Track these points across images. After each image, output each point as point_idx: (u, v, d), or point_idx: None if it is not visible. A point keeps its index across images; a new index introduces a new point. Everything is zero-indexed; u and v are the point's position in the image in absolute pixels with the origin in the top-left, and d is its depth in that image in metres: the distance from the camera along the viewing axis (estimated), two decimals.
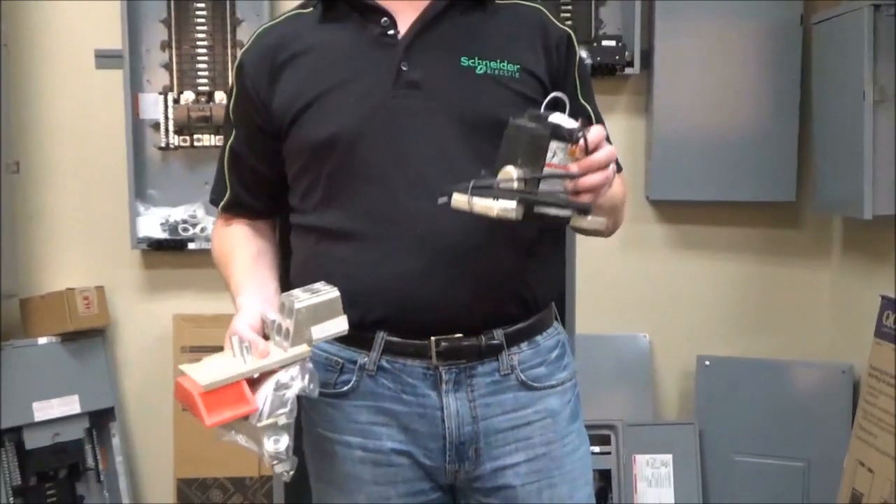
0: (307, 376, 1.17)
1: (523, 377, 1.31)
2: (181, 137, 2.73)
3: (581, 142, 1.11)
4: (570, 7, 2.80)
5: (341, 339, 1.23)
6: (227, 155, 1.40)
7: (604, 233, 1.32)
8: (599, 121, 1.39)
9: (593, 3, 2.83)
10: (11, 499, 2.58)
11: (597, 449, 2.63)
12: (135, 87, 2.72)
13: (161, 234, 2.75)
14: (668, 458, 2.76)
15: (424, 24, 1.28)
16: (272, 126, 1.32)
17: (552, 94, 1.17)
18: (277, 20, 1.38)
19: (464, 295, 1.25)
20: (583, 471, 1.37)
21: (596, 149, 1.12)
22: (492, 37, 1.31)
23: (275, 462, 1.15)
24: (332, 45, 1.30)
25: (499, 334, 1.29)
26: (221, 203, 1.42)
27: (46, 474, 2.65)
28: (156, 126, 2.74)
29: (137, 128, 2.74)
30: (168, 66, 2.75)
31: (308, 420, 1.35)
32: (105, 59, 2.75)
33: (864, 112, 2.43)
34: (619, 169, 1.41)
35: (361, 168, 1.26)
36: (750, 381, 2.84)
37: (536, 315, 1.33)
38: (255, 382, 1.15)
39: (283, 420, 1.14)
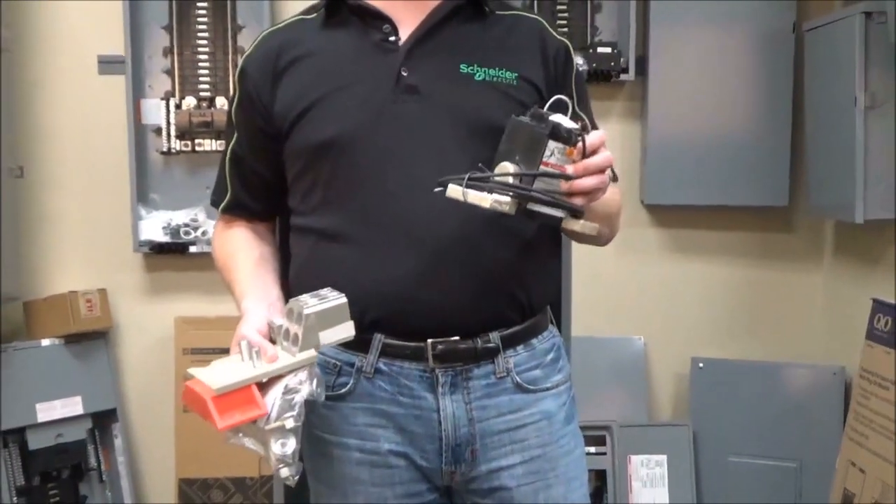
0: (315, 380, 1.17)
1: (519, 380, 1.31)
2: (183, 142, 2.73)
3: (579, 144, 1.11)
4: (566, 14, 2.81)
5: None
6: (229, 157, 1.40)
7: (599, 240, 1.34)
8: (595, 128, 1.38)
9: (589, 10, 2.83)
10: (15, 498, 2.57)
11: (592, 449, 2.63)
12: (137, 92, 2.73)
13: (163, 238, 2.75)
14: (663, 458, 2.75)
15: (425, 32, 1.29)
16: (273, 128, 1.32)
17: (556, 97, 1.17)
18: (280, 25, 1.39)
19: (461, 298, 1.26)
20: (578, 472, 1.37)
21: (594, 152, 1.13)
22: (491, 45, 1.32)
23: (281, 465, 1.15)
24: (333, 50, 1.31)
25: (495, 337, 1.29)
26: (222, 204, 1.43)
27: (49, 474, 2.65)
28: (158, 131, 2.75)
29: (139, 133, 2.74)
30: (170, 72, 2.76)
31: (306, 422, 1.33)
32: (108, 64, 2.75)
33: (855, 118, 2.43)
34: (614, 178, 1.43)
35: (360, 171, 1.27)
36: (743, 383, 2.83)
37: (532, 318, 1.33)
38: (263, 386, 1.15)
39: (290, 423, 1.14)
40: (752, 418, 2.81)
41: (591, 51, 2.77)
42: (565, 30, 2.72)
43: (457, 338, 1.27)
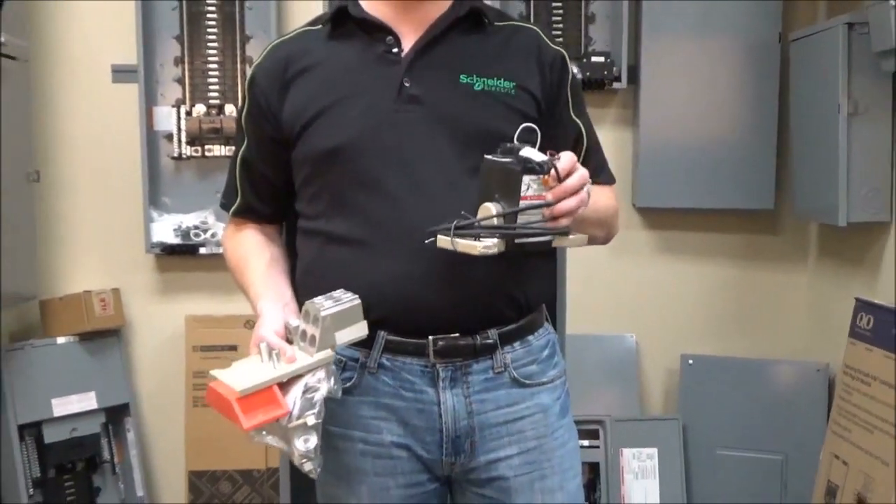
0: (332, 378, 1.20)
1: (516, 374, 1.33)
2: (193, 148, 2.77)
3: (553, 171, 1.15)
4: (561, 26, 2.84)
5: None
6: (239, 163, 1.42)
7: (597, 241, 1.39)
8: (591, 133, 1.44)
9: (583, 21, 2.86)
10: (31, 490, 2.60)
11: (586, 443, 2.66)
12: (149, 100, 2.77)
13: (174, 240, 2.79)
14: (654, 451, 2.79)
15: (427, 43, 1.32)
16: (281, 135, 1.34)
17: (524, 125, 1.20)
18: (288, 36, 1.40)
19: (460, 297, 1.28)
20: (572, 463, 1.39)
21: (568, 174, 1.17)
22: (490, 56, 1.34)
23: (304, 461, 1.17)
24: (339, 61, 1.33)
25: (493, 334, 1.31)
26: (233, 208, 1.45)
27: (65, 467, 2.68)
28: (169, 137, 2.79)
29: (151, 139, 2.78)
30: (181, 81, 2.80)
31: None
32: (121, 73, 2.80)
33: (839, 124, 2.47)
34: (612, 181, 1.48)
35: (364, 177, 1.28)
36: (731, 379, 2.86)
37: (528, 316, 1.35)
38: (283, 386, 1.17)
39: (311, 420, 1.16)
40: (740, 413, 2.84)
41: (584, 60, 2.81)
42: (560, 40, 2.77)
43: (457, 334, 1.29)
